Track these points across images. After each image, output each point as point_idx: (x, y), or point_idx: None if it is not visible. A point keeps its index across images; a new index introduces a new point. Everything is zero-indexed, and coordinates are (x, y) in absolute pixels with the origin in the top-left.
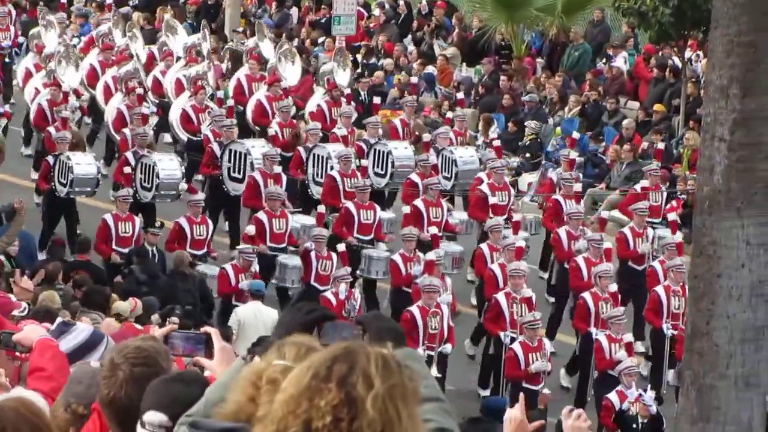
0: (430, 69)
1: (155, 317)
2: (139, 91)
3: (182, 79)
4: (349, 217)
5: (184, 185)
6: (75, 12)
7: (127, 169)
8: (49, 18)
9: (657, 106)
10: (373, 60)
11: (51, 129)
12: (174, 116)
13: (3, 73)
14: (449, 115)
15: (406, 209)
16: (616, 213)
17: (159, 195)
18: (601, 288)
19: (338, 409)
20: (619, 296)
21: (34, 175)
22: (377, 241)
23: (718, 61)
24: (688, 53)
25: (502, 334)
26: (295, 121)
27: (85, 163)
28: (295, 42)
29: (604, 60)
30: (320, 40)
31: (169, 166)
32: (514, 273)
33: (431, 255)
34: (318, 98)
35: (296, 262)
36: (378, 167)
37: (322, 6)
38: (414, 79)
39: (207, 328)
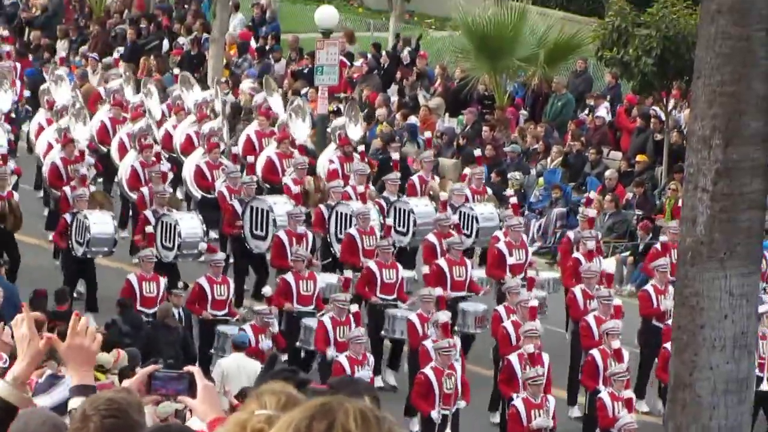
0: (412, 119)
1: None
2: (157, 148)
3: (192, 135)
4: (372, 277)
5: (203, 244)
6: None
7: (148, 228)
8: (58, 73)
9: (640, 157)
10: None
11: (66, 189)
12: (188, 173)
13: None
14: (466, 171)
15: (426, 269)
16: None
17: (181, 254)
18: (609, 345)
19: None
20: (643, 352)
21: (49, 235)
22: (400, 300)
23: (700, 111)
24: (671, 103)
25: (514, 395)
26: (308, 177)
27: (102, 223)
28: (279, 92)
29: (587, 110)
30: (303, 90)
31: (189, 224)
32: (529, 334)
33: (443, 316)
34: (330, 153)
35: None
36: (399, 225)
37: (305, 56)
38: (428, 134)
39: (190, 367)
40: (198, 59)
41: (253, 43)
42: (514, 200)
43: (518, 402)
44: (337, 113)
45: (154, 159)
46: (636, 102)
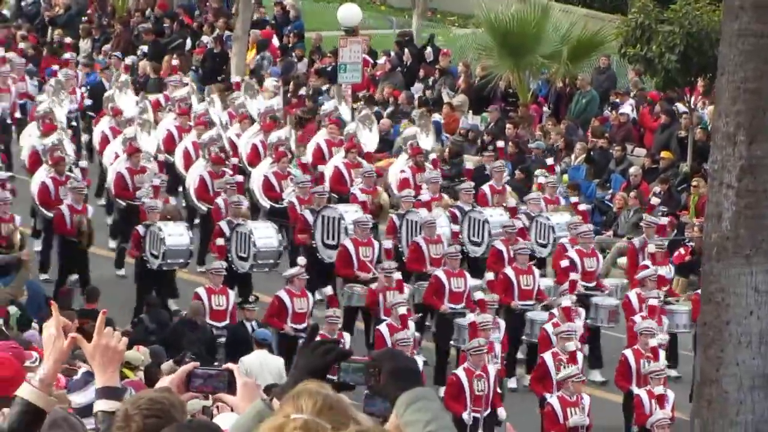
0: (436, 117)
1: (168, 364)
2: (234, 160)
3: (258, 145)
4: (440, 286)
5: (303, 259)
6: (80, 62)
7: (220, 241)
8: (122, 80)
9: (664, 153)
10: (376, 108)
11: (145, 200)
12: (256, 183)
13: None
14: (541, 180)
15: (490, 275)
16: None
17: (256, 265)
18: (644, 344)
19: None
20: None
21: (112, 244)
22: (467, 309)
23: (724, 108)
24: (693, 100)
25: (547, 395)
26: (378, 187)
27: (177, 234)
28: (303, 90)
29: (610, 107)
30: (324, 87)
31: (265, 234)
32: (564, 335)
33: (476, 317)
34: (401, 164)
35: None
36: (474, 236)
37: (328, 54)
38: (500, 143)
39: (229, 365)
40: (221, 57)
41: (276, 42)
42: (583, 207)
43: (554, 400)
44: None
45: (223, 170)
46: (659, 98)
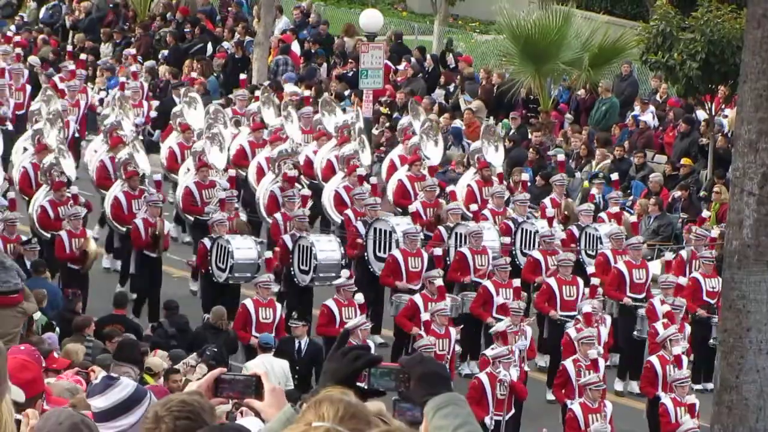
0: (457, 123)
1: (192, 357)
2: (293, 172)
3: (333, 161)
4: (488, 297)
5: (346, 271)
6: (101, 65)
7: (265, 252)
8: (192, 95)
9: (684, 160)
10: (396, 114)
11: (214, 214)
12: (327, 198)
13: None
14: (594, 191)
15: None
16: None
17: (318, 278)
18: (670, 351)
19: None
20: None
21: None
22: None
23: (746, 115)
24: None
25: (568, 401)
26: (440, 200)
27: (245, 248)
28: (326, 95)
29: (630, 115)
30: (346, 93)
31: (327, 247)
32: (585, 341)
33: (502, 326)
34: (468, 178)
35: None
36: (525, 247)
37: (349, 60)
38: (561, 157)
39: (256, 371)
40: (242, 63)
41: (297, 47)
42: (634, 219)
43: (575, 407)
44: (387, 117)
45: (287, 185)
46: (679, 105)
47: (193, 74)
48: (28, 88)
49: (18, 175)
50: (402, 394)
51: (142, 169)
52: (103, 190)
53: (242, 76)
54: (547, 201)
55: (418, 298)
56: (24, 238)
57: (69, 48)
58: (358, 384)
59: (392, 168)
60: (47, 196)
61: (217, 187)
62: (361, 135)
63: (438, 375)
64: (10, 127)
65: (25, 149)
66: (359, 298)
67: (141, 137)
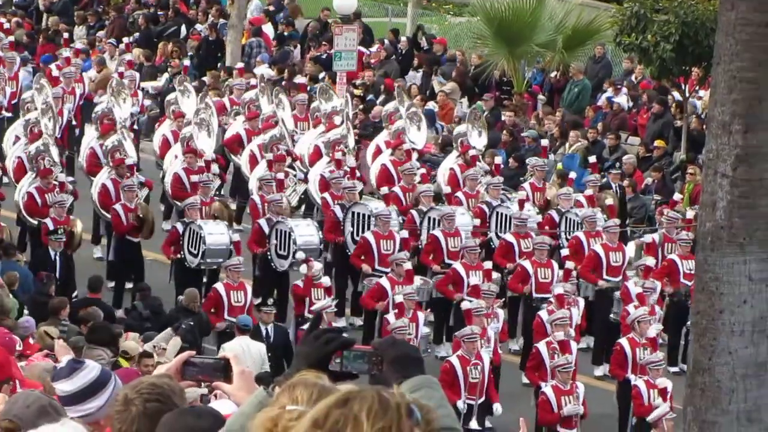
0: (430, 105)
1: (167, 332)
2: (278, 154)
3: (320, 146)
4: (458, 278)
5: (301, 254)
6: (77, 47)
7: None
8: (187, 84)
9: (658, 142)
10: (370, 96)
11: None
12: (312, 183)
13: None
14: (592, 178)
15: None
16: None
17: (297, 263)
18: (640, 333)
19: None
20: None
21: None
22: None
23: (720, 97)
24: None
25: (542, 384)
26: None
27: (217, 233)
28: (299, 78)
29: (604, 96)
30: (320, 75)
31: (306, 231)
32: (558, 322)
33: (468, 304)
34: (451, 161)
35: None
36: (500, 230)
37: (323, 42)
38: (544, 142)
39: (226, 353)
40: (216, 45)
41: (270, 30)
42: (609, 201)
43: (548, 389)
44: (361, 99)
45: (286, 169)
46: (652, 87)
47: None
48: (21, 76)
49: (13, 165)
50: (375, 377)
51: (130, 156)
52: (93, 177)
53: (240, 65)
54: (526, 186)
55: (385, 281)
56: None
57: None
58: (331, 368)
59: (378, 153)
60: (34, 183)
61: (206, 173)
62: (347, 120)
63: (411, 357)
64: (9, 114)
65: (18, 138)
66: (326, 280)
67: (136, 127)
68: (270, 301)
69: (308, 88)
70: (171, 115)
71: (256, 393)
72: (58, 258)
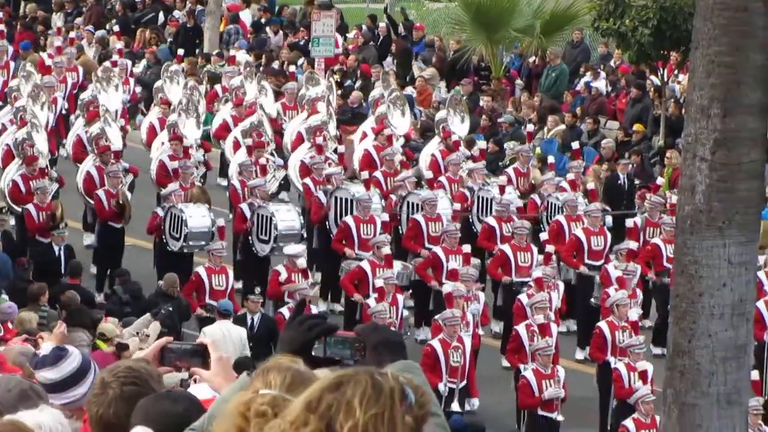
0: (409, 90)
1: (145, 317)
2: (255, 141)
3: (303, 133)
4: (438, 263)
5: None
6: (52, 35)
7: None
8: (172, 69)
9: (637, 126)
10: (348, 82)
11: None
12: (293, 168)
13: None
14: (574, 164)
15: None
16: None
17: (277, 247)
18: (619, 317)
19: None
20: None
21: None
22: None
23: (698, 81)
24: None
25: (522, 366)
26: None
27: (199, 216)
28: (276, 64)
29: (581, 82)
30: (299, 61)
31: (287, 216)
32: (538, 305)
33: (448, 287)
34: (433, 147)
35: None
36: (481, 214)
37: (300, 28)
38: (530, 127)
39: (203, 339)
40: (194, 32)
41: (246, 16)
42: (591, 186)
43: (528, 373)
44: (338, 84)
45: (266, 156)
46: (630, 72)
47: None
48: (12, 65)
49: (1, 154)
50: (357, 363)
51: (114, 143)
52: (79, 164)
53: (233, 53)
54: (510, 170)
55: (365, 264)
56: None
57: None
58: (314, 353)
59: (364, 139)
60: (19, 170)
61: (191, 159)
62: (329, 106)
63: (393, 342)
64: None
65: (4, 126)
66: (302, 263)
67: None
68: (258, 290)
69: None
70: (158, 101)
71: (239, 379)
72: (62, 252)
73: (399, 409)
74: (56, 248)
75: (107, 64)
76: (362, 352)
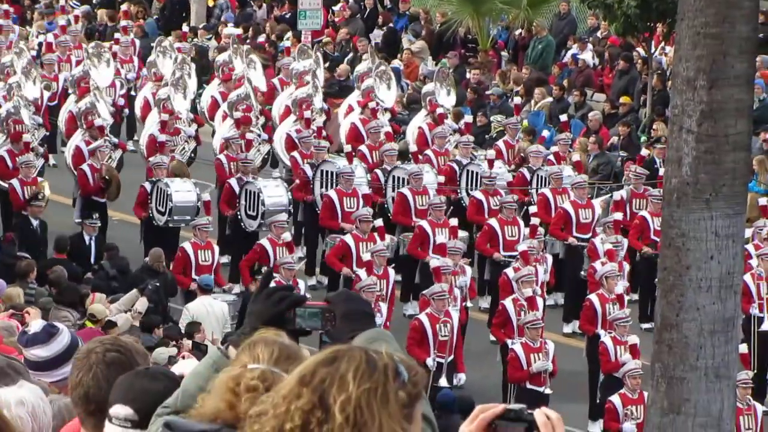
0: (395, 63)
1: (132, 293)
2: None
3: (290, 106)
4: (425, 236)
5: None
6: (38, 10)
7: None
8: (164, 44)
9: (623, 98)
10: (336, 54)
11: (152, 158)
12: (278, 142)
13: (129, 106)
14: (562, 137)
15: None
16: None
17: (265, 223)
18: (609, 289)
19: (310, 413)
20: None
21: None
22: None
23: (684, 53)
24: (653, 46)
25: (509, 341)
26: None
27: (184, 191)
28: (262, 37)
29: (569, 53)
30: (286, 35)
31: (275, 192)
32: (524, 279)
33: (436, 262)
34: (419, 120)
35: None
36: (470, 188)
37: (287, 1)
38: (517, 100)
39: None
40: (181, 5)
41: None
42: (576, 157)
43: (517, 347)
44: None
45: (252, 129)
46: (618, 44)
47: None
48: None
49: None
50: (328, 333)
51: (103, 118)
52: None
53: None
54: (500, 143)
55: (348, 238)
56: None
57: None
58: (285, 326)
59: (350, 112)
60: (4, 146)
61: (181, 134)
62: (314, 79)
63: (362, 312)
64: None
65: None
66: (287, 236)
67: (133, 93)
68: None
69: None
70: (152, 77)
71: (210, 353)
72: (93, 242)
73: (392, 385)
74: (87, 237)
75: (113, 43)
76: (333, 321)
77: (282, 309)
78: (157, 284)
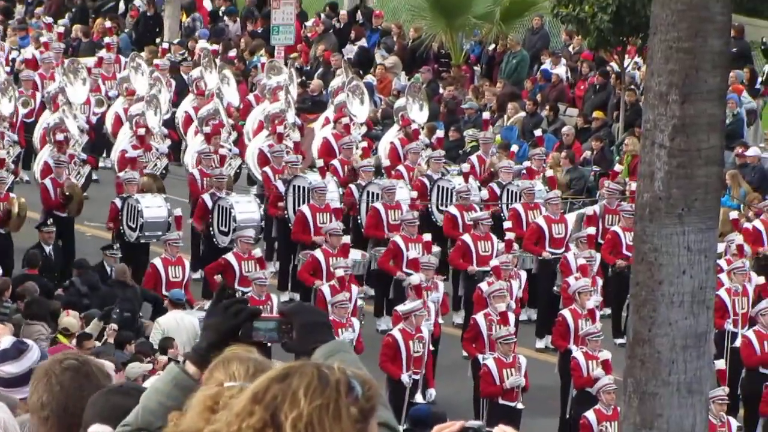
0: (369, 78)
1: (95, 322)
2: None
3: (263, 121)
4: (398, 251)
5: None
6: (12, 25)
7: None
8: (138, 60)
9: (596, 113)
10: (308, 69)
11: (120, 174)
12: (251, 156)
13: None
14: (537, 151)
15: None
16: None
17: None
18: (582, 305)
19: (261, 431)
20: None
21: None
22: None
23: (657, 68)
24: (626, 60)
25: (480, 356)
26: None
27: (155, 206)
28: (234, 52)
29: (541, 68)
30: (260, 51)
31: (247, 208)
32: (496, 294)
33: (415, 279)
34: (392, 135)
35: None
36: (441, 204)
37: (259, 18)
38: (486, 115)
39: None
40: (154, 20)
41: (207, 3)
42: (550, 173)
43: (490, 362)
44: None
45: (222, 144)
46: (591, 58)
47: (107, 39)
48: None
49: None
50: (285, 345)
51: (72, 134)
52: None
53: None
54: (473, 158)
55: (318, 253)
56: None
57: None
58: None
59: (326, 124)
60: (52, 153)
61: (153, 150)
62: (287, 95)
63: (319, 323)
64: None
65: None
66: (257, 252)
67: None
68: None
69: (246, 63)
70: (123, 92)
71: (168, 368)
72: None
73: (344, 400)
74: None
75: (85, 60)
76: (289, 333)
77: (239, 321)
78: (127, 314)
